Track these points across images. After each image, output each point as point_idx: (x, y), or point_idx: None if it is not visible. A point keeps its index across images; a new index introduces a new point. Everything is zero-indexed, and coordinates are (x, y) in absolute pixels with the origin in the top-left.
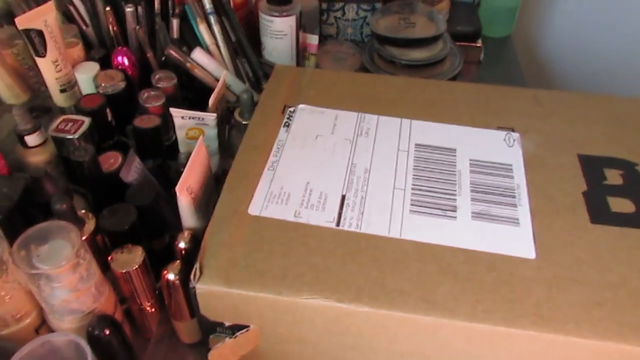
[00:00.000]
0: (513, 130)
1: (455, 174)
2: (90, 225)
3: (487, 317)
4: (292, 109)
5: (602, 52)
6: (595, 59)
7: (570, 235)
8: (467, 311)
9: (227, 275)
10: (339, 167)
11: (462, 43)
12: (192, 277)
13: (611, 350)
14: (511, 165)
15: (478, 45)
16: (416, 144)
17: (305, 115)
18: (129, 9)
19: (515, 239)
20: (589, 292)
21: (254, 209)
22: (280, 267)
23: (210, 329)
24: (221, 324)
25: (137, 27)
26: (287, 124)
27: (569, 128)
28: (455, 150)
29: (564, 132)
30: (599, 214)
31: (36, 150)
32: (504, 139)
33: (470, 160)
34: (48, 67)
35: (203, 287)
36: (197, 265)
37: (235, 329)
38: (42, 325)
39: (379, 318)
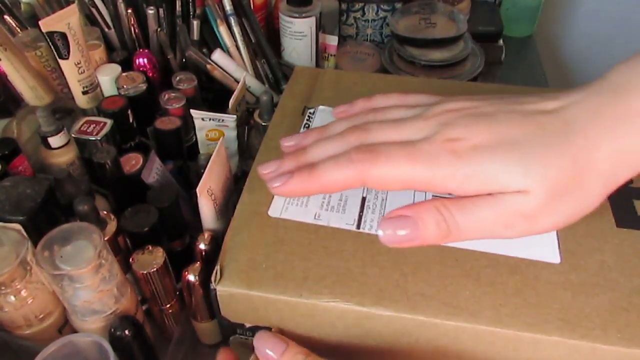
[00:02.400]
0: None
1: None
2: (112, 226)
3: (510, 321)
4: (311, 110)
5: (626, 51)
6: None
7: (595, 240)
8: (490, 315)
9: (247, 277)
10: None
11: (483, 43)
12: (212, 279)
13: (639, 358)
14: None
15: (499, 45)
16: None
17: (325, 117)
18: (150, 11)
19: (540, 243)
20: (616, 298)
21: (274, 211)
22: (301, 270)
23: (230, 331)
24: (242, 326)
25: (158, 29)
26: (307, 125)
27: None
28: None
29: None
30: (625, 217)
31: (59, 152)
32: None
33: None
34: (71, 69)
35: (224, 289)
36: (217, 267)
37: (255, 330)
38: (65, 325)
39: (400, 322)
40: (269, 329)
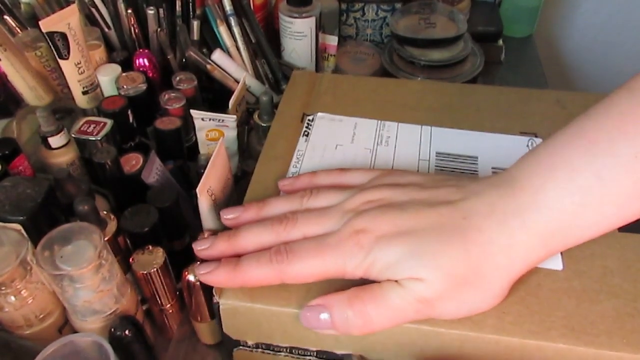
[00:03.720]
0: (536, 136)
1: None
2: (112, 226)
3: (514, 329)
4: (310, 118)
5: (626, 52)
6: (619, 59)
7: (597, 245)
8: (494, 324)
9: (250, 290)
10: None
11: (483, 43)
12: (215, 292)
13: None
14: None
15: (499, 45)
16: (437, 152)
17: (325, 124)
18: (150, 12)
19: None
20: (620, 304)
21: None
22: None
23: (233, 343)
24: (245, 341)
25: (158, 30)
26: (306, 133)
27: None
28: (476, 158)
29: None
30: None
31: (59, 152)
32: (527, 145)
33: (493, 168)
34: (71, 69)
35: (227, 302)
36: None
37: (258, 347)
38: (65, 325)
39: (404, 332)
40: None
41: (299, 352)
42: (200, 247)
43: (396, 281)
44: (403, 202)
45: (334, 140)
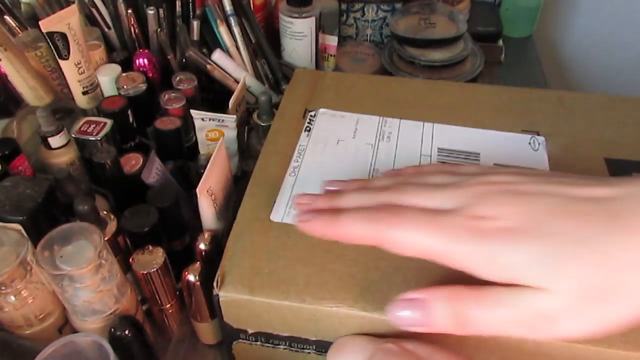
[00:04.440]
0: (538, 134)
1: None
2: (112, 226)
3: None
4: (312, 113)
5: (625, 51)
6: (619, 58)
7: None
8: None
9: (250, 283)
10: (360, 173)
11: (482, 43)
12: (215, 285)
13: None
14: None
15: (499, 45)
16: (439, 148)
17: (326, 120)
18: (150, 12)
19: None
20: None
21: (276, 216)
22: (303, 275)
23: (233, 336)
24: (245, 331)
25: (158, 30)
26: (308, 128)
27: (596, 131)
28: (479, 154)
29: (590, 135)
30: None
31: (59, 152)
32: (529, 143)
33: (495, 164)
34: (71, 70)
35: (226, 295)
36: (219, 273)
37: (258, 336)
38: (65, 325)
39: None
40: (270, 334)
41: (298, 345)
42: (302, 201)
43: (508, 286)
44: (531, 192)
45: (335, 135)
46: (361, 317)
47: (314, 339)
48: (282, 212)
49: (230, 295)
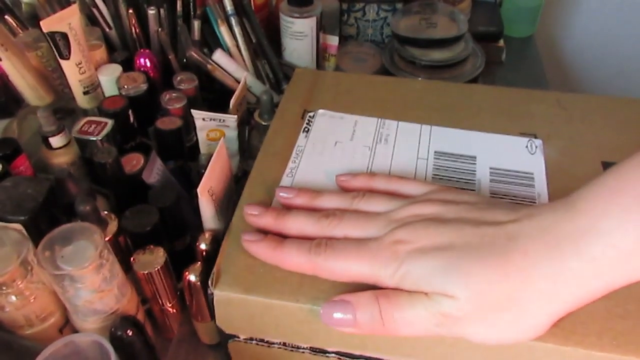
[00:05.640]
0: (535, 137)
1: (475, 183)
2: (113, 226)
3: None
4: (311, 114)
5: (626, 52)
6: (619, 59)
7: None
8: None
9: (245, 281)
10: None
11: (483, 43)
12: (210, 282)
13: None
14: (532, 174)
15: (500, 45)
16: (435, 152)
17: (325, 121)
18: (151, 12)
19: None
20: (611, 305)
21: None
22: (298, 275)
23: (228, 334)
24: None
25: (159, 30)
26: (306, 129)
27: (594, 134)
28: (475, 157)
29: (588, 138)
30: None
31: (60, 152)
32: (526, 146)
33: (491, 168)
34: (72, 69)
35: (221, 294)
36: (214, 271)
37: (251, 341)
38: (66, 325)
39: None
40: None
41: (293, 345)
42: (251, 212)
43: (426, 294)
44: (449, 219)
45: (333, 137)
46: None
47: (305, 345)
48: None
49: (224, 294)
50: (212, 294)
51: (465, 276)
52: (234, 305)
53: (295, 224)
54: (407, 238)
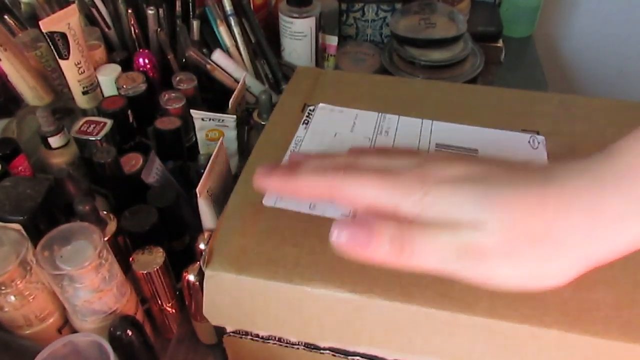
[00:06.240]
0: (538, 133)
1: None
2: (112, 226)
3: (508, 313)
4: (311, 108)
5: (626, 52)
6: (619, 59)
7: None
8: (486, 307)
9: (237, 261)
10: None
11: (482, 43)
12: (201, 262)
13: None
14: None
15: (499, 45)
16: (437, 144)
17: (325, 114)
18: (150, 12)
19: None
20: (618, 293)
21: (268, 201)
22: (293, 256)
23: (224, 329)
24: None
25: (158, 30)
26: (306, 121)
27: (597, 133)
28: (477, 150)
29: (591, 137)
30: None
31: (59, 152)
32: (529, 141)
33: None
34: (71, 70)
35: (212, 273)
36: (206, 250)
37: (238, 335)
38: (65, 325)
39: (392, 311)
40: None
41: (287, 341)
42: (260, 172)
43: (451, 225)
44: (478, 158)
45: (333, 128)
46: (349, 303)
47: (295, 339)
48: (275, 197)
49: (216, 274)
50: (203, 275)
51: (500, 204)
52: (225, 287)
53: (311, 163)
54: (436, 169)
